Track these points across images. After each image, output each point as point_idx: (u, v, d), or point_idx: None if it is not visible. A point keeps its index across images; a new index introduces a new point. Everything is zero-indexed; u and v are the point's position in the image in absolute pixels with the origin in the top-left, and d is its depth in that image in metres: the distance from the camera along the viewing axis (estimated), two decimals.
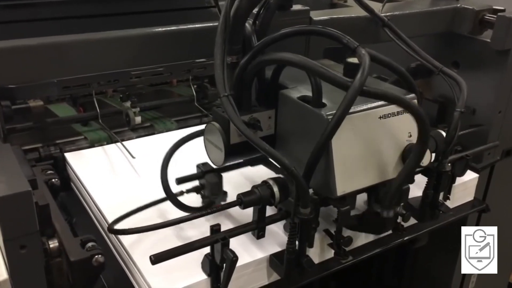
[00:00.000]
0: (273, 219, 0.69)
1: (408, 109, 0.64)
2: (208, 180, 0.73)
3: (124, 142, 0.99)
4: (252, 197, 0.64)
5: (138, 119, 1.06)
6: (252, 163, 0.81)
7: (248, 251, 0.69)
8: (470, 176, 0.92)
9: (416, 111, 0.63)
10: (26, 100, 0.99)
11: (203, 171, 0.75)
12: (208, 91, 1.19)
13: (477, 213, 1.03)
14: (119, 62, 0.90)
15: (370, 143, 0.68)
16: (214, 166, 0.74)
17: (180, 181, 0.74)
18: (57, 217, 0.71)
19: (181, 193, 0.74)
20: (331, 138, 0.62)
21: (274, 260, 0.68)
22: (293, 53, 0.65)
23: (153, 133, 1.08)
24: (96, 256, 0.65)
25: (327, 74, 0.62)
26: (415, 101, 0.71)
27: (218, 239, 0.61)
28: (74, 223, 0.85)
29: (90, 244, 0.67)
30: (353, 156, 0.66)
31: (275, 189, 0.65)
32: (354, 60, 0.71)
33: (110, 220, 0.76)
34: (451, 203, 0.87)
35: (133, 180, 0.89)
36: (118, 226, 0.70)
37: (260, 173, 0.84)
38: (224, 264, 0.63)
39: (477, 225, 1.11)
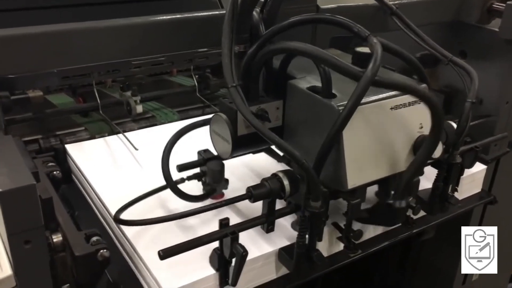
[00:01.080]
0: (282, 213, 0.67)
1: (423, 98, 0.62)
2: (210, 167, 0.72)
3: (125, 133, 0.98)
4: (262, 190, 0.63)
5: (139, 108, 1.04)
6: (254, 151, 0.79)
7: (256, 245, 0.68)
8: (478, 168, 0.90)
9: (431, 101, 0.61)
10: (25, 90, 0.97)
11: (205, 158, 0.73)
12: (210, 81, 1.17)
13: (482, 204, 1.02)
14: (120, 51, 0.88)
15: (381, 134, 0.66)
16: (215, 153, 0.73)
17: (181, 168, 0.73)
18: (60, 210, 0.69)
19: (182, 180, 0.73)
20: (343, 129, 0.60)
21: (283, 254, 0.67)
22: (302, 42, 0.64)
23: (155, 124, 1.06)
24: (101, 251, 0.64)
25: (338, 64, 0.60)
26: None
27: (227, 234, 0.60)
28: (76, 216, 0.83)
29: (94, 238, 0.66)
30: (364, 148, 0.65)
31: (285, 182, 0.63)
32: (363, 49, 0.70)
33: (112, 212, 0.75)
34: (458, 195, 0.86)
35: (136, 172, 0.87)
36: (122, 217, 0.69)
37: (260, 160, 0.84)
38: (234, 259, 0.61)
39: (482, 216, 1.10)
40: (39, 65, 0.80)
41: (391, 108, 0.66)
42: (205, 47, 1.07)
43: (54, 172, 0.82)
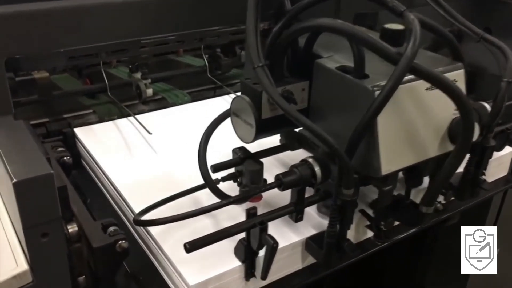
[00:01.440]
0: (312, 201, 0.63)
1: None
2: (247, 167, 0.67)
3: (136, 116, 0.93)
4: (292, 178, 0.59)
5: (149, 91, 1.00)
6: (293, 147, 0.75)
7: (282, 235, 0.64)
8: (506, 150, 0.87)
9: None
10: (30, 72, 0.92)
11: (241, 157, 0.68)
12: (221, 61, 1.12)
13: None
14: (130, 30, 0.83)
15: (415, 117, 0.62)
16: (243, 144, 0.69)
17: (215, 168, 0.67)
18: (73, 199, 0.65)
19: (217, 181, 0.68)
20: (379, 113, 0.56)
21: (311, 244, 0.64)
22: (334, 19, 0.59)
23: (166, 106, 1.02)
24: (120, 242, 0.60)
25: (376, 44, 0.56)
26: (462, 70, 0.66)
27: (255, 224, 0.56)
28: (88, 203, 0.80)
29: (112, 228, 0.62)
30: (399, 132, 0.61)
31: (316, 168, 0.59)
32: (392, 26, 0.65)
33: (129, 201, 0.72)
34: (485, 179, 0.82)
35: (150, 157, 0.83)
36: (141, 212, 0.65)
37: (297, 157, 0.79)
38: (260, 251, 0.58)
39: (502, 201, 1.06)
40: (46, 45, 0.76)
41: (426, 89, 0.62)
42: (216, 26, 1.03)
43: (65, 158, 0.78)
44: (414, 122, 0.62)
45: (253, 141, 0.66)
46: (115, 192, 0.76)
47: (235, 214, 0.67)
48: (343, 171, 0.57)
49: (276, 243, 0.56)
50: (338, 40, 0.64)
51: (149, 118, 0.95)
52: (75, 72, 1.09)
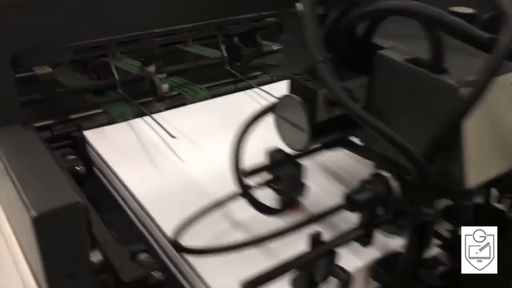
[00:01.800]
0: (382, 221, 0.53)
1: None
2: (286, 171, 0.59)
3: (153, 115, 0.83)
4: (366, 196, 0.49)
5: (165, 86, 0.90)
6: (329, 146, 0.66)
7: (341, 259, 0.54)
8: None
9: None
10: (31, 68, 0.82)
11: (278, 160, 0.60)
12: (241, 52, 1.02)
13: None
14: (144, 21, 0.72)
15: (500, 117, 0.52)
16: (288, 150, 0.59)
17: (248, 173, 0.59)
18: (95, 220, 0.55)
19: (250, 188, 0.60)
20: (468, 114, 0.46)
21: (381, 271, 0.54)
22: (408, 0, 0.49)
23: (184, 103, 0.91)
24: (153, 273, 0.50)
25: (464, 29, 0.46)
26: None
27: (322, 254, 0.47)
28: (107, 220, 0.70)
29: (142, 256, 0.52)
30: (486, 136, 0.51)
31: (393, 184, 0.49)
32: (460, 9, 0.56)
33: (155, 216, 0.62)
34: None
35: (174, 164, 0.73)
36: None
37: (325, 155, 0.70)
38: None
39: None
40: (51, 37, 0.65)
41: None
42: (237, 14, 0.92)
43: (77, 168, 0.67)
44: (499, 122, 0.52)
45: (304, 148, 0.56)
46: (136, 205, 0.66)
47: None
48: (425, 187, 0.47)
49: (349, 275, 0.46)
50: (396, 26, 0.54)
51: (167, 117, 0.85)
52: (77, 65, 0.98)
